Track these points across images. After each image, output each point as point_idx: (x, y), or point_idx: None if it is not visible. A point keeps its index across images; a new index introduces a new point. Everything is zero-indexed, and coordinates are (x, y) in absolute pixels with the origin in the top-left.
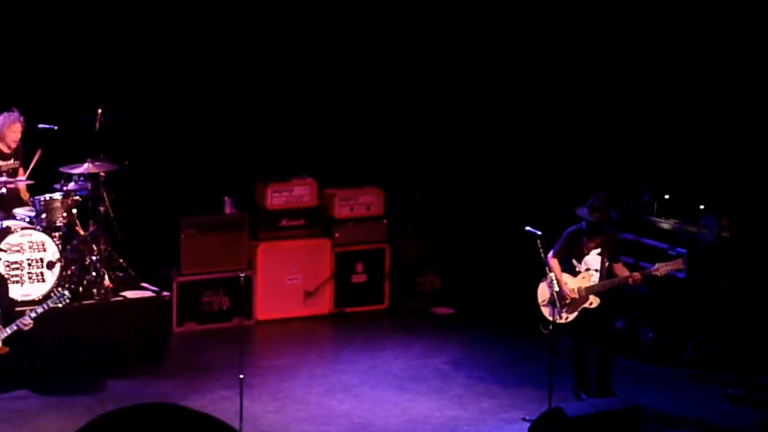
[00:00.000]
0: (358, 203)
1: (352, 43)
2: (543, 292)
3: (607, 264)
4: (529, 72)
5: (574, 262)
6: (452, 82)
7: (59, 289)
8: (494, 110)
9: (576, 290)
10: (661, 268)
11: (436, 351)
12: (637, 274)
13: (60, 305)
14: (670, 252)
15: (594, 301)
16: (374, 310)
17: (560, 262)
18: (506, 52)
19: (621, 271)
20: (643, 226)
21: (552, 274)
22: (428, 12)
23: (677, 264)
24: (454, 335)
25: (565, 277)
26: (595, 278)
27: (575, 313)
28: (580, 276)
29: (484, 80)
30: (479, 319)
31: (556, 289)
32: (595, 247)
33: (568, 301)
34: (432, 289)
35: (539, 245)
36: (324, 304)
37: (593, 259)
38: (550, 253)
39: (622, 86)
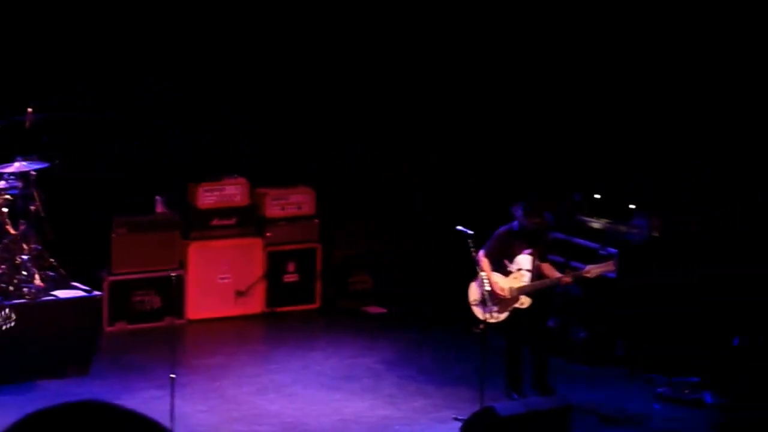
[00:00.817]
0: (290, 203)
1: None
2: (474, 292)
3: (537, 264)
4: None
5: (506, 261)
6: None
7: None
8: (433, 106)
9: (507, 290)
10: (592, 270)
11: (369, 350)
12: (568, 275)
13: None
14: (600, 252)
15: (525, 301)
16: (306, 309)
17: (491, 262)
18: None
19: (550, 271)
20: (575, 225)
21: (483, 274)
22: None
23: (608, 266)
24: (387, 335)
25: (496, 277)
26: (526, 278)
27: (506, 313)
28: (512, 276)
29: (428, 77)
30: (412, 319)
31: (487, 288)
32: (527, 247)
33: (499, 301)
34: (364, 289)
35: (470, 244)
36: (256, 304)
37: (524, 259)
38: (481, 252)
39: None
